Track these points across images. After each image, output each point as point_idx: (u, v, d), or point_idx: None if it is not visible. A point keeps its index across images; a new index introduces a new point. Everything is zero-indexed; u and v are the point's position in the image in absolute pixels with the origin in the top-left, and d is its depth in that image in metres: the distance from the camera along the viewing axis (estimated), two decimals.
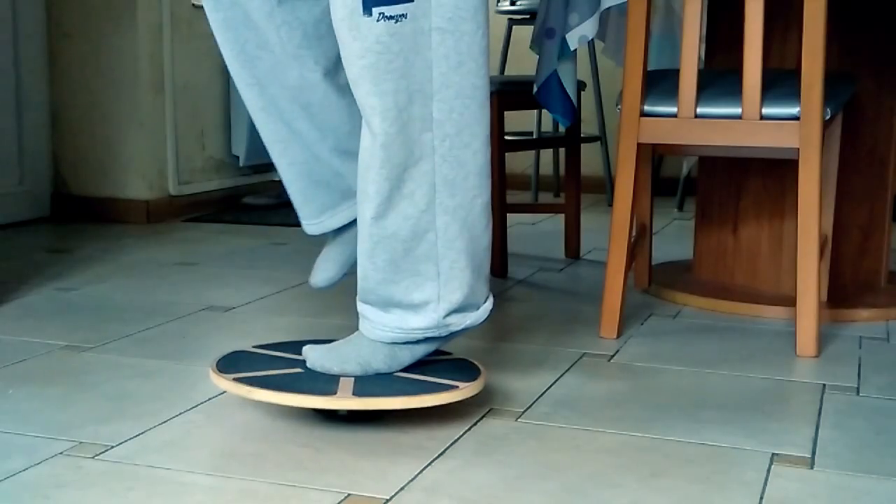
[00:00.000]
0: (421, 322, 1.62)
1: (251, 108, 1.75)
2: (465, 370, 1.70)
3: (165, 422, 1.65)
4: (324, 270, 1.84)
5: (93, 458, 1.50)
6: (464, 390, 1.61)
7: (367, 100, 1.54)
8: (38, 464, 1.47)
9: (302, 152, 1.76)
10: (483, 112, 1.60)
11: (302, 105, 1.73)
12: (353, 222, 1.80)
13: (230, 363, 1.70)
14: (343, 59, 1.56)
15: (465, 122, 1.58)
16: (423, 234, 1.59)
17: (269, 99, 1.73)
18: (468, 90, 1.57)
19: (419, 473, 1.46)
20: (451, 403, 1.73)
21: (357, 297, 1.67)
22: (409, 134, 1.56)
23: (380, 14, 1.51)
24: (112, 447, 1.54)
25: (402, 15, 1.52)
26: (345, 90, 1.73)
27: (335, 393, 1.56)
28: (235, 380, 1.60)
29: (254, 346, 1.82)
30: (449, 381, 1.63)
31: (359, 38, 1.52)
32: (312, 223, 1.82)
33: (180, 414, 1.69)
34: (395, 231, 1.59)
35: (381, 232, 1.59)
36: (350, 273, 1.84)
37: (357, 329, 1.70)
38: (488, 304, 1.69)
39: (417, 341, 1.65)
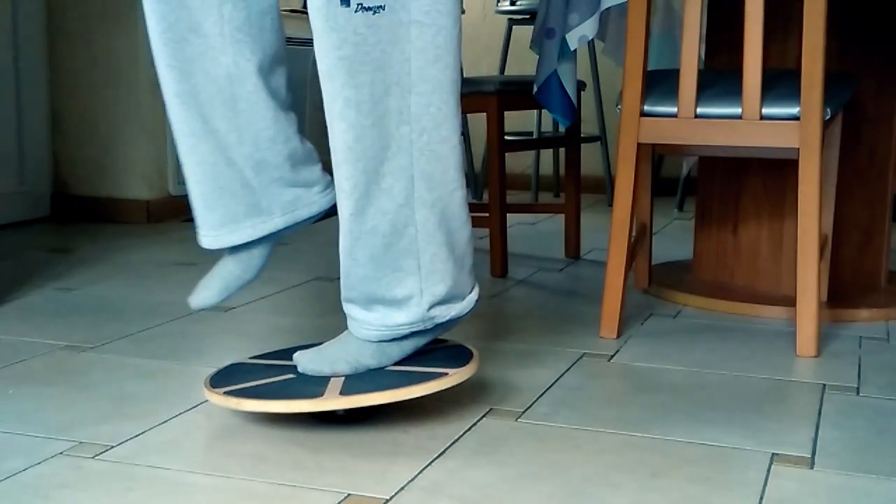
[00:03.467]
0: (405, 317, 1.62)
1: (166, 94, 1.65)
2: (458, 357, 1.69)
3: (165, 422, 1.65)
4: (205, 289, 1.72)
5: (93, 458, 1.50)
6: (453, 377, 1.59)
7: (343, 91, 1.53)
8: (38, 464, 1.47)
9: (213, 153, 1.66)
10: (458, 107, 1.59)
11: (225, 99, 1.64)
12: (251, 243, 1.72)
13: (224, 377, 1.68)
14: (317, 51, 1.54)
15: (442, 116, 1.57)
16: (402, 228, 1.58)
17: (189, 87, 1.64)
18: (446, 85, 1.56)
19: (419, 473, 1.46)
20: (450, 402, 1.74)
21: (341, 297, 1.66)
22: (385, 126, 1.55)
23: (358, 5, 1.50)
24: (112, 447, 1.54)
25: (381, 6, 1.51)
26: (275, 93, 1.67)
27: (323, 394, 1.56)
28: (226, 393, 1.59)
29: (251, 357, 1.80)
30: (439, 369, 1.62)
31: (336, 28, 1.51)
32: (209, 235, 1.70)
33: (180, 414, 1.69)
34: (374, 226, 1.58)
35: (361, 228, 1.58)
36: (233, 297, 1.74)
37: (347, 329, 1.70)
38: (473, 295, 1.68)
39: (405, 336, 1.65)
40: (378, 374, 1.63)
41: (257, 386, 1.62)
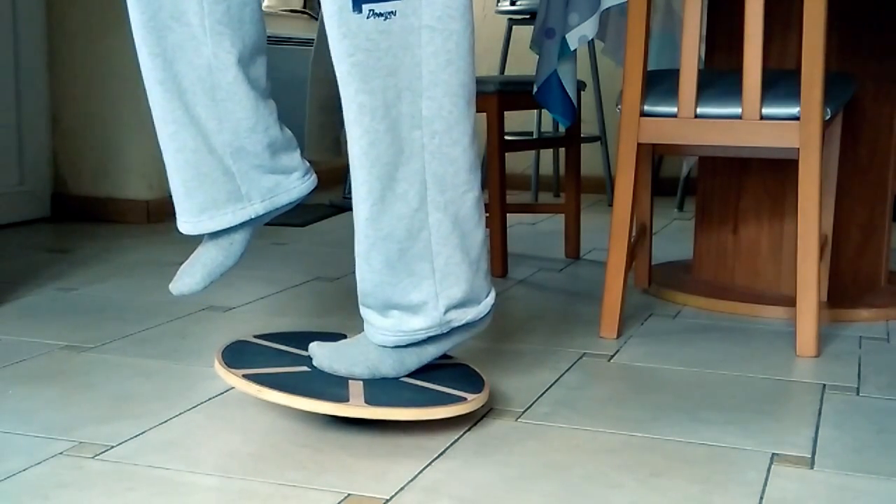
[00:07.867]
0: (421, 322, 1.62)
1: (149, 81, 1.65)
2: (469, 378, 1.70)
3: (165, 422, 1.65)
4: (188, 276, 1.73)
5: (93, 458, 1.50)
6: (471, 402, 1.61)
7: (357, 97, 1.54)
8: (38, 464, 1.47)
9: (194, 140, 1.67)
10: (470, 109, 1.60)
11: (206, 88, 1.65)
12: (231, 229, 1.74)
13: (235, 356, 1.69)
14: (333, 58, 1.56)
15: (454, 119, 1.58)
16: (417, 232, 1.59)
17: (171, 74, 1.65)
18: (456, 88, 1.57)
19: (419, 473, 1.46)
20: None
21: (359, 301, 1.67)
22: (398, 131, 1.55)
23: (370, 11, 1.51)
24: (112, 447, 1.54)
25: (392, 12, 1.52)
26: (255, 83, 1.69)
27: (347, 399, 1.56)
28: (245, 377, 1.60)
29: (255, 336, 1.81)
30: (456, 391, 1.63)
31: (348, 35, 1.52)
32: (190, 221, 1.72)
33: (180, 414, 1.69)
34: (389, 232, 1.58)
35: (377, 233, 1.59)
36: (217, 282, 1.75)
37: (361, 328, 1.70)
38: (490, 299, 1.68)
39: (422, 342, 1.65)
40: (396, 386, 1.63)
41: (274, 374, 1.62)
